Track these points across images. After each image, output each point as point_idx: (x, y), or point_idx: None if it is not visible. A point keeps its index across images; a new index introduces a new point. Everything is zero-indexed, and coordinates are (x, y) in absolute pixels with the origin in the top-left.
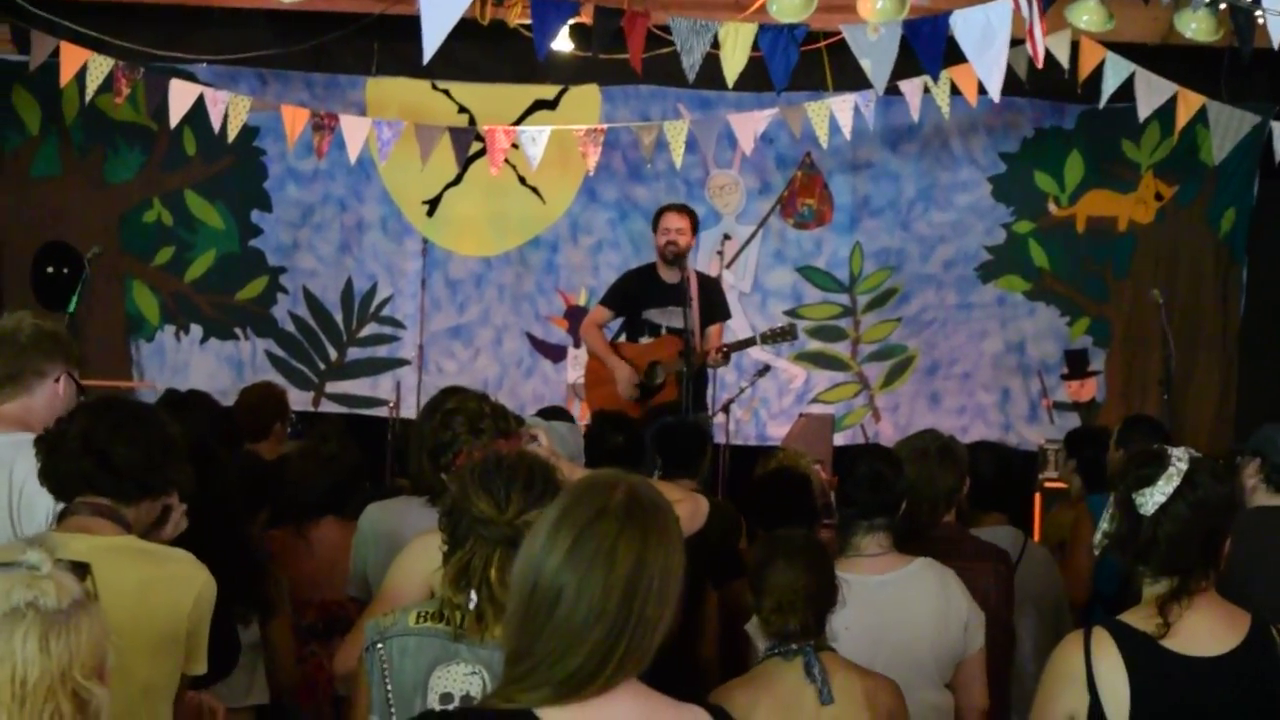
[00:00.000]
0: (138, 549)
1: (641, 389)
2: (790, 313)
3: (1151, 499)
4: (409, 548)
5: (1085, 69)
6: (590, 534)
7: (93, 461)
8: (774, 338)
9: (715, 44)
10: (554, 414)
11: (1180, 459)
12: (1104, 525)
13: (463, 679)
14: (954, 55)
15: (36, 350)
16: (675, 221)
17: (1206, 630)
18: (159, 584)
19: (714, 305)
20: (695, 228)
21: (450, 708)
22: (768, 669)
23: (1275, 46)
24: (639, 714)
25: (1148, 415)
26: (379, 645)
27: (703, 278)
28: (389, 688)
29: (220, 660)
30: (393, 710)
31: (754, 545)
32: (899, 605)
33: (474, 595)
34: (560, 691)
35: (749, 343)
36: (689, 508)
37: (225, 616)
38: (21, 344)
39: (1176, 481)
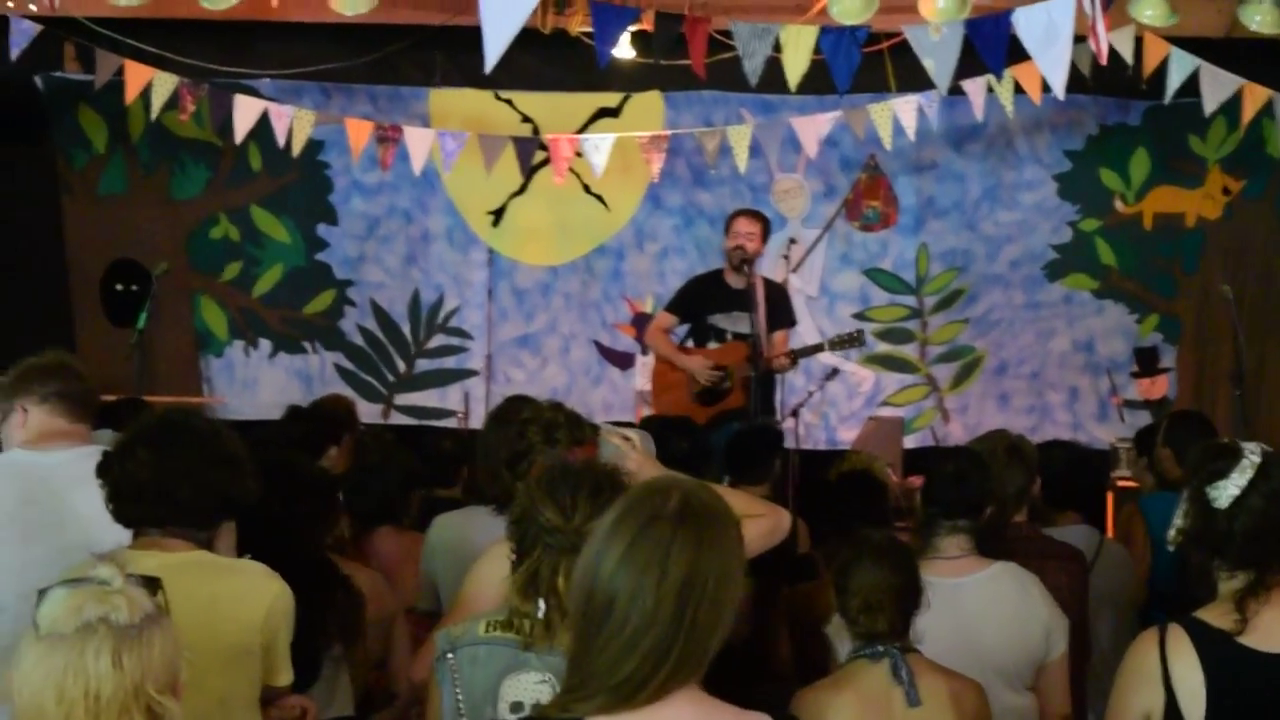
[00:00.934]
0: (209, 563)
1: (710, 390)
2: (858, 315)
3: (1225, 492)
4: (485, 556)
5: (1149, 64)
6: (643, 540)
7: (169, 507)
8: (842, 344)
9: (777, 47)
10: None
11: (1253, 452)
12: (1177, 522)
13: (533, 687)
14: (1017, 53)
15: None
16: (747, 226)
17: None
18: (230, 596)
19: (780, 312)
20: (766, 234)
21: (520, 716)
22: (854, 671)
23: None
24: None
25: (1192, 411)
26: (449, 655)
27: (769, 284)
28: (459, 697)
29: (301, 674)
30: (464, 719)
31: (841, 548)
32: (977, 608)
33: (542, 604)
34: (613, 699)
35: (817, 349)
36: (770, 522)
37: (310, 633)
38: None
39: (1250, 474)
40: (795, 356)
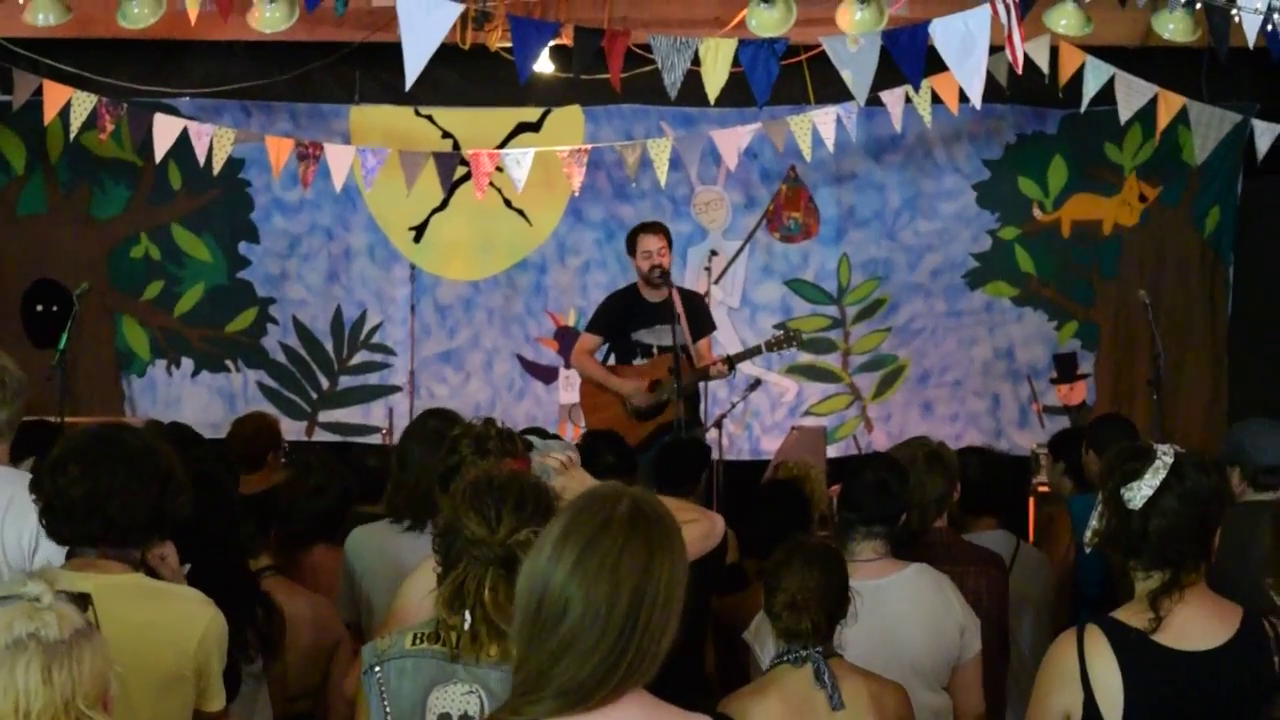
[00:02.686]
0: (145, 587)
1: (651, 405)
2: (779, 326)
3: (1139, 493)
4: (414, 572)
5: (1065, 73)
6: (596, 545)
7: (98, 524)
8: (778, 344)
9: (696, 61)
10: (539, 435)
11: (1166, 453)
12: (1094, 523)
13: (460, 698)
14: (934, 64)
15: (21, 395)
16: (654, 243)
17: (1198, 625)
18: (164, 622)
19: (700, 320)
20: (670, 242)
21: None
22: (777, 675)
23: (1251, 46)
24: None
25: (1116, 414)
26: (377, 668)
27: (686, 293)
28: (387, 709)
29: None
30: None
31: (775, 549)
32: (893, 610)
33: (468, 616)
34: (566, 702)
35: (754, 351)
36: (704, 527)
37: (230, 648)
38: (15, 389)
39: (1163, 474)
40: (732, 361)
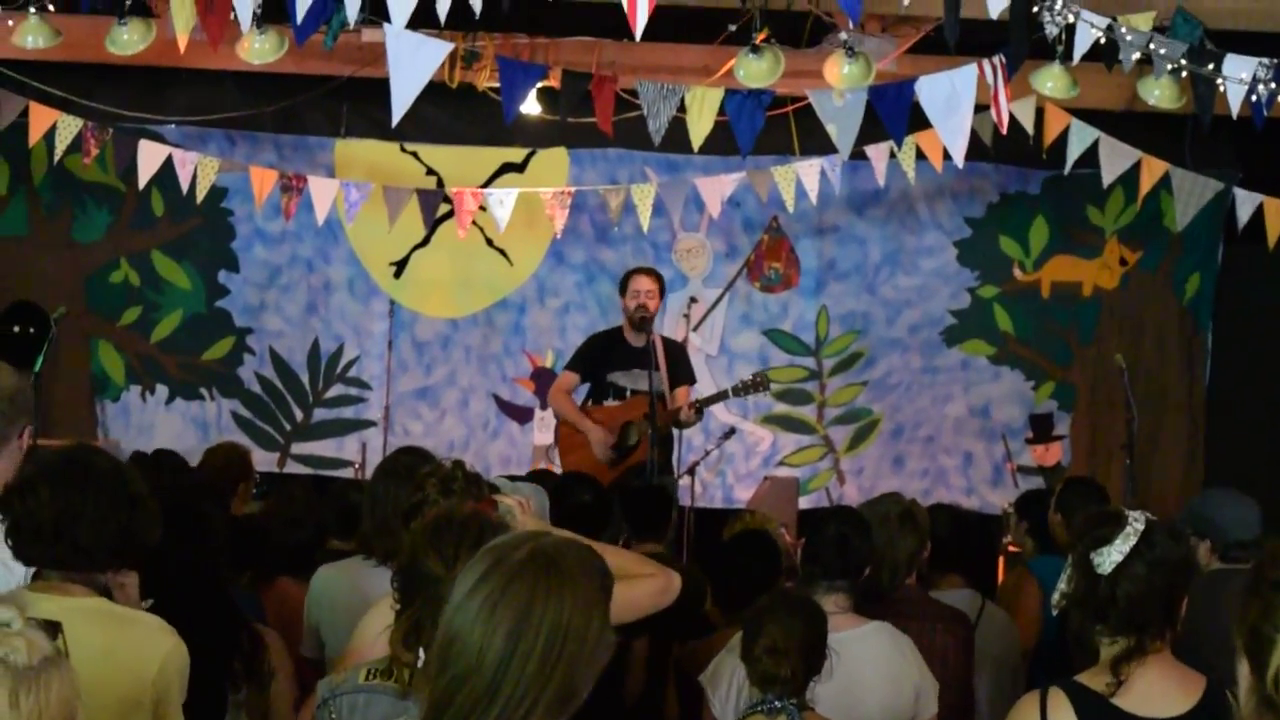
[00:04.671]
0: (107, 612)
1: (617, 450)
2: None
3: (1109, 558)
4: (374, 607)
5: (1050, 135)
6: (479, 588)
7: (66, 548)
8: (746, 389)
9: (682, 108)
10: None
11: (1137, 519)
12: (1062, 586)
13: None
14: (919, 121)
15: (13, 410)
16: (645, 284)
17: (1160, 691)
18: (125, 648)
19: (680, 368)
20: (663, 291)
21: None
22: None
23: (1235, 115)
24: None
25: (1086, 478)
26: (330, 702)
27: (668, 342)
28: None
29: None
30: None
31: (739, 607)
32: (850, 665)
33: (422, 653)
34: None
35: (721, 396)
36: (659, 583)
37: (216, 675)
38: None
39: (1134, 541)
40: (699, 406)
